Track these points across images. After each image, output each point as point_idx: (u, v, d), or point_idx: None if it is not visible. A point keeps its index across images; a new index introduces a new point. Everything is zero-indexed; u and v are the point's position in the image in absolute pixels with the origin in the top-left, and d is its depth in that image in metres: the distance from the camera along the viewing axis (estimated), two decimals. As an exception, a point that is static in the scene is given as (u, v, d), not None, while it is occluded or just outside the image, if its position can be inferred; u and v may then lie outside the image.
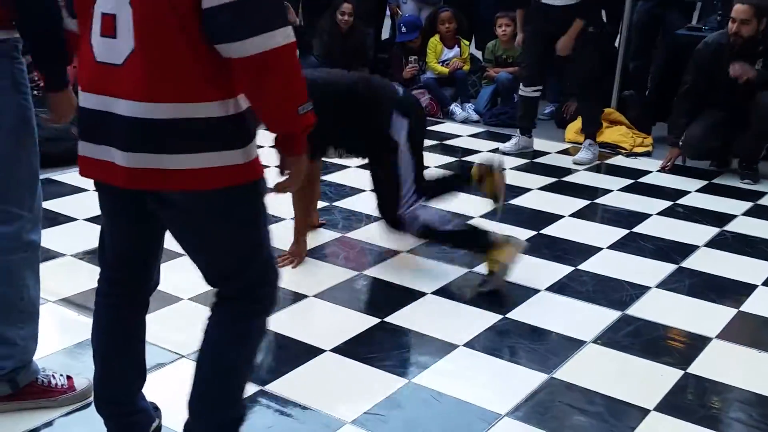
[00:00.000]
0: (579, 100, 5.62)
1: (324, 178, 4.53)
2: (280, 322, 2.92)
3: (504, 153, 5.41)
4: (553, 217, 4.24)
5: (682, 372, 2.76)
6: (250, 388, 2.50)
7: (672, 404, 2.57)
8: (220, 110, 1.69)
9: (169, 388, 2.40)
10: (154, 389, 2.26)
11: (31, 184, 2.23)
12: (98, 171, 1.81)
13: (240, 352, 1.93)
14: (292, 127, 1.74)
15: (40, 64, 2.12)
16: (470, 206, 4.21)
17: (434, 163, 5.04)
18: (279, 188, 1.85)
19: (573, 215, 4.31)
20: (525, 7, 5.45)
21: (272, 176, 1.85)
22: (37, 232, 2.27)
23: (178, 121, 1.66)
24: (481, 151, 5.48)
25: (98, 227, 3.69)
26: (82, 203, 4.02)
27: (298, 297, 3.15)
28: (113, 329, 2.04)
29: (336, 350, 2.79)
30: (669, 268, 3.65)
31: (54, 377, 2.38)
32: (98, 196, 1.97)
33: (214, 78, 1.68)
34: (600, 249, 3.83)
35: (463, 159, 5.27)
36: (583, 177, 5.05)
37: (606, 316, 3.14)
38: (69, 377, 2.41)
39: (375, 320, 3.01)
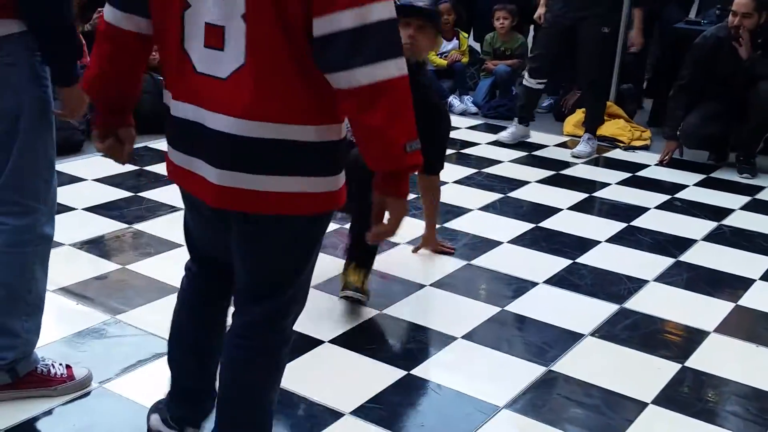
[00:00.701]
0: (587, 96, 5.54)
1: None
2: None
3: (501, 143, 5.42)
4: (552, 210, 4.24)
5: (680, 365, 2.77)
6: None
7: (669, 397, 2.58)
8: (321, 135, 1.63)
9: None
10: (159, 379, 2.26)
11: (48, 177, 2.21)
12: (187, 182, 1.74)
13: (272, 384, 1.90)
14: (397, 164, 1.58)
15: (47, 59, 2.10)
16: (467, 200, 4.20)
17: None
18: (375, 236, 1.71)
19: (571, 208, 4.32)
20: None
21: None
22: (51, 225, 2.26)
23: (279, 142, 1.60)
24: (479, 144, 5.48)
25: (96, 216, 3.74)
26: (81, 192, 4.02)
27: (296, 288, 3.15)
28: (197, 312, 2.00)
29: (335, 341, 2.79)
30: (667, 261, 3.66)
31: (53, 366, 2.38)
32: (183, 201, 1.89)
33: (321, 103, 1.61)
34: (598, 242, 3.84)
35: (461, 151, 5.27)
36: (581, 170, 5.05)
37: (604, 310, 3.15)
38: (68, 366, 2.41)
39: (374, 311, 3.02)
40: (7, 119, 2.10)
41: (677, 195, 4.66)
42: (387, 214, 1.68)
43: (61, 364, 2.41)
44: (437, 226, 3.88)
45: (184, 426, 2.09)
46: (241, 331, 1.83)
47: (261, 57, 1.56)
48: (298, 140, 1.60)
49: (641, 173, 5.07)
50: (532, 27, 7.12)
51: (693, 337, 2.99)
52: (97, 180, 4.21)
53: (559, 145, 5.59)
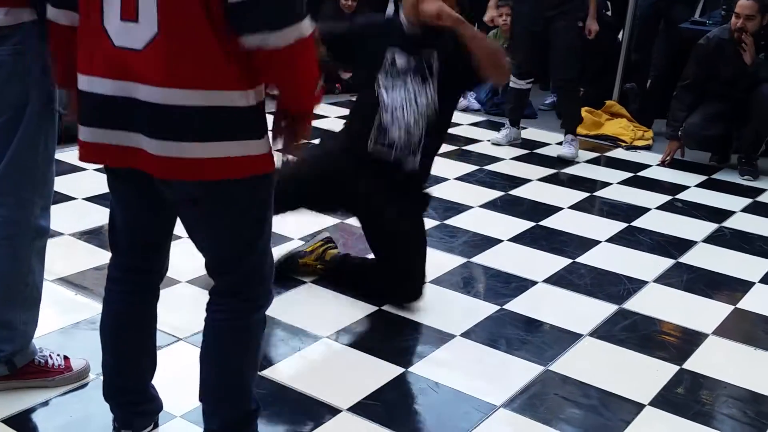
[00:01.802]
0: (563, 96, 5.52)
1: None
2: (278, 309, 2.91)
3: (494, 144, 5.38)
4: (552, 209, 4.24)
5: (678, 367, 2.77)
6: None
7: (667, 399, 2.58)
8: (242, 100, 1.68)
9: (167, 371, 2.38)
10: (157, 370, 2.25)
11: (46, 170, 2.19)
12: (115, 157, 1.76)
13: (243, 351, 1.93)
14: (310, 103, 1.79)
15: None
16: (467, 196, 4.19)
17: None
18: (282, 152, 1.87)
19: (572, 207, 4.31)
20: None
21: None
22: (46, 217, 2.25)
23: (207, 108, 1.65)
24: (481, 140, 5.47)
25: (96, 206, 3.74)
26: (81, 182, 4.01)
27: (296, 282, 3.15)
28: (126, 317, 2.03)
29: (333, 337, 2.79)
30: (667, 262, 3.66)
31: (51, 357, 2.38)
32: (109, 181, 1.92)
33: (237, 67, 1.66)
34: (598, 242, 3.84)
35: (463, 148, 5.27)
36: (582, 169, 5.05)
37: (603, 310, 3.14)
38: (66, 357, 2.41)
39: (372, 308, 3.01)
40: (12, 108, 2.08)
41: (678, 196, 4.65)
42: None
43: (59, 355, 2.40)
44: (437, 222, 3.88)
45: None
46: (213, 298, 1.93)
47: (174, 25, 1.61)
48: (226, 105, 1.66)
49: (643, 173, 5.06)
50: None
51: (691, 339, 2.98)
52: (98, 170, 4.20)
53: (560, 144, 5.57)
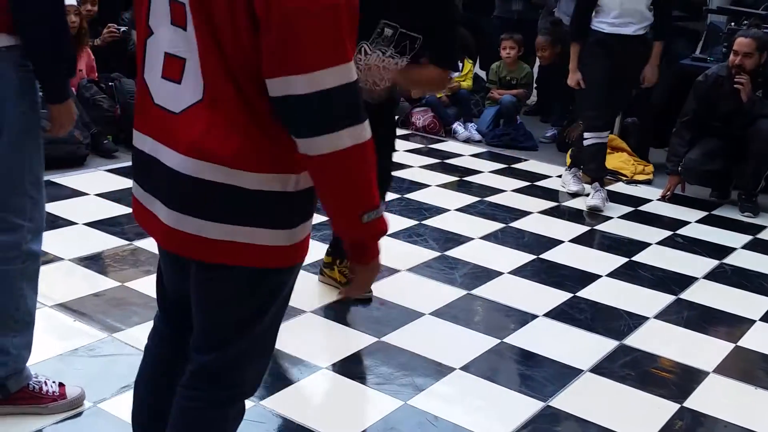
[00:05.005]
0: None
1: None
2: (277, 338, 2.90)
3: (594, 210, 4.86)
4: (553, 242, 4.23)
5: (678, 405, 2.75)
6: (246, 403, 2.48)
7: (667, 438, 2.56)
8: (270, 184, 1.50)
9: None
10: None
11: (34, 194, 2.19)
12: (145, 220, 1.65)
13: None
14: (356, 234, 1.53)
15: (39, 76, 2.09)
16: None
17: (436, 182, 5.06)
18: (345, 293, 1.75)
19: (572, 241, 4.31)
20: (581, 41, 4.87)
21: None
22: (37, 242, 2.24)
23: (224, 186, 1.48)
24: (482, 171, 5.48)
25: (97, 232, 3.73)
26: (82, 207, 4.00)
27: (295, 312, 3.13)
28: (161, 368, 1.83)
29: (332, 368, 2.77)
30: (667, 299, 3.65)
31: (46, 384, 2.36)
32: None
33: (273, 151, 1.49)
34: (599, 276, 3.83)
35: (464, 179, 5.27)
36: (583, 202, 5.04)
37: (603, 345, 3.13)
38: (61, 384, 2.39)
39: (372, 339, 3.00)
40: None
41: (679, 231, 4.65)
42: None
43: (54, 382, 2.38)
44: (437, 253, 3.88)
45: None
46: (190, 380, 1.70)
47: (215, 96, 1.47)
48: (245, 187, 1.49)
49: (643, 208, 5.06)
50: (537, 58, 7.16)
51: (692, 377, 2.97)
52: (99, 195, 4.20)
53: (561, 177, 5.59)
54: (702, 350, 3.19)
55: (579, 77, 4.88)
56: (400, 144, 5.97)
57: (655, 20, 4.80)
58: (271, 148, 1.49)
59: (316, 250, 3.72)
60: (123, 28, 5.53)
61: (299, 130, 1.43)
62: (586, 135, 4.99)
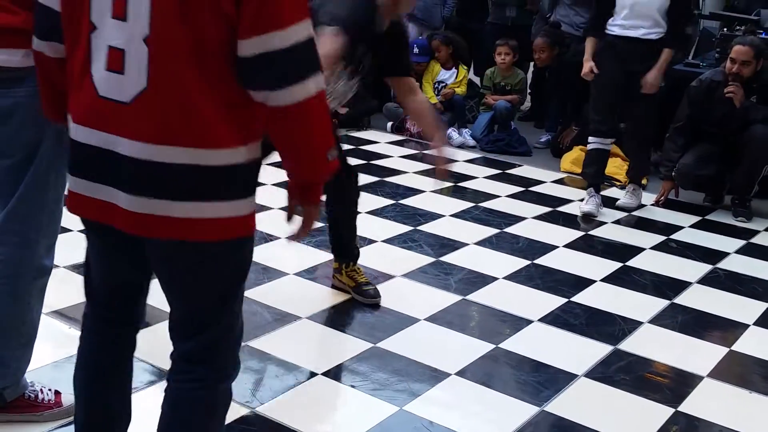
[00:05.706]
0: (633, 144, 5.26)
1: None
2: (272, 344, 2.91)
3: (589, 215, 4.85)
4: (547, 247, 4.24)
5: (673, 410, 2.76)
6: (241, 410, 2.49)
7: (662, 442, 2.57)
8: (233, 158, 1.60)
9: (158, 407, 2.37)
10: (143, 407, 2.23)
11: (53, 210, 2.17)
12: (95, 211, 1.68)
13: (208, 424, 1.80)
14: (320, 173, 1.68)
15: None
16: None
17: (430, 187, 5.07)
18: (292, 239, 1.81)
19: (567, 246, 4.32)
20: (597, 37, 4.89)
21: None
22: (50, 257, 2.23)
23: (189, 166, 1.57)
24: (476, 177, 5.49)
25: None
26: (77, 214, 4.00)
27: (290, 318, 3.14)
28: (101, 368, 1.90)
29: (327, 374, 2.78)
30: (662, 303, 3.66)
31: (42, 392, 2.36)
32: (86, 232, 1.82)
33: (230, 125, 1.59)
34: (593, 281, 3.84)
35: (458, 184, 5.28)
36: (577, 208, 5.06)
37: (598, 350, 3.14)
38: (57, 392, 2.39)
39: (367, 344, 3.00)
40: (25, 148, 2.07)
41: (672, 236, 4.67)
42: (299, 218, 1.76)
43: (50, 390, 2.38)
44: (432, 259, 3.89)
45: None
46: (177, 366, 1.78)
47: (165, 80, 1.55)
48: (210, 164, 1.58)
49: (637, 213, 5.08)
50: (532, 64, 7.19)
51: (686, 381, 2.98)
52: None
53: (555, 182, 5.61)
54: (696, 355, 3.20)
55: (592, 64, 4.84)
56: (395, 150, 6.00)
57: (667, 27, 4.77)
58: (228, 121, 1.59)
59: (311, 256, 3.74)
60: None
61: (273, 84, 1.55)
62: (590, 139, 5.01)
